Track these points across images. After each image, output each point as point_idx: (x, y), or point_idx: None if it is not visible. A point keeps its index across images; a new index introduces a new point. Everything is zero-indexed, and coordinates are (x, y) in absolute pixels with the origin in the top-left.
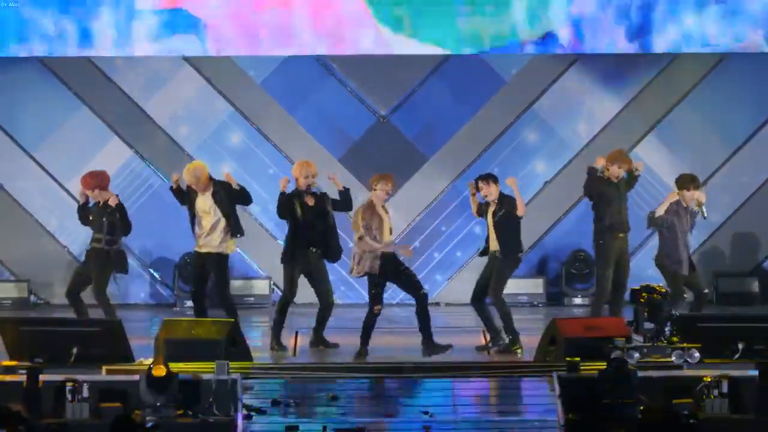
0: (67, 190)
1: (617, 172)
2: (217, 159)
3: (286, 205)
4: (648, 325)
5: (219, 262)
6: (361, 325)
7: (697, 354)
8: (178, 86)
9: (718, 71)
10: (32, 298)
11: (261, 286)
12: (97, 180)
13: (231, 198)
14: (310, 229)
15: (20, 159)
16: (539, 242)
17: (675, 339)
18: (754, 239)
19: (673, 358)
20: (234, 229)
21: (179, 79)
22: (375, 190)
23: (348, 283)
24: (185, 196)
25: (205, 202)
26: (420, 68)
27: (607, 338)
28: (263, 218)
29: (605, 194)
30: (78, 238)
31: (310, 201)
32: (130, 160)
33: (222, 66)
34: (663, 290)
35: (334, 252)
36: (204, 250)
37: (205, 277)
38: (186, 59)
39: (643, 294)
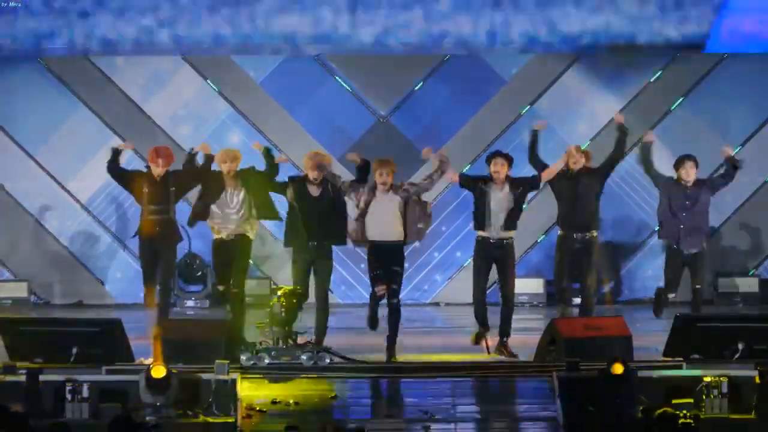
0: (67, 190)
1: (574, 161)
2: None
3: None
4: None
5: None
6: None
7: (328, 359)
8: (177, 86)
9: (718, 71)
10: (32, 298)
11: (261, 286)
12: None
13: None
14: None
15: (20, 159)
16: (539, 242)
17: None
18: (754, 239)
19: (303, 359)
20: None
21: (179, 79)
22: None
23: (348, 283)
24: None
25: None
26: (420, 68)
27: (607, 338)
28: None
29: (555, 187)
30: (77, 238)
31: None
32: (130, 159)
33: (222, 66)
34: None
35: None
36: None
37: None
38: (186, 59)
39: (280, 298)
